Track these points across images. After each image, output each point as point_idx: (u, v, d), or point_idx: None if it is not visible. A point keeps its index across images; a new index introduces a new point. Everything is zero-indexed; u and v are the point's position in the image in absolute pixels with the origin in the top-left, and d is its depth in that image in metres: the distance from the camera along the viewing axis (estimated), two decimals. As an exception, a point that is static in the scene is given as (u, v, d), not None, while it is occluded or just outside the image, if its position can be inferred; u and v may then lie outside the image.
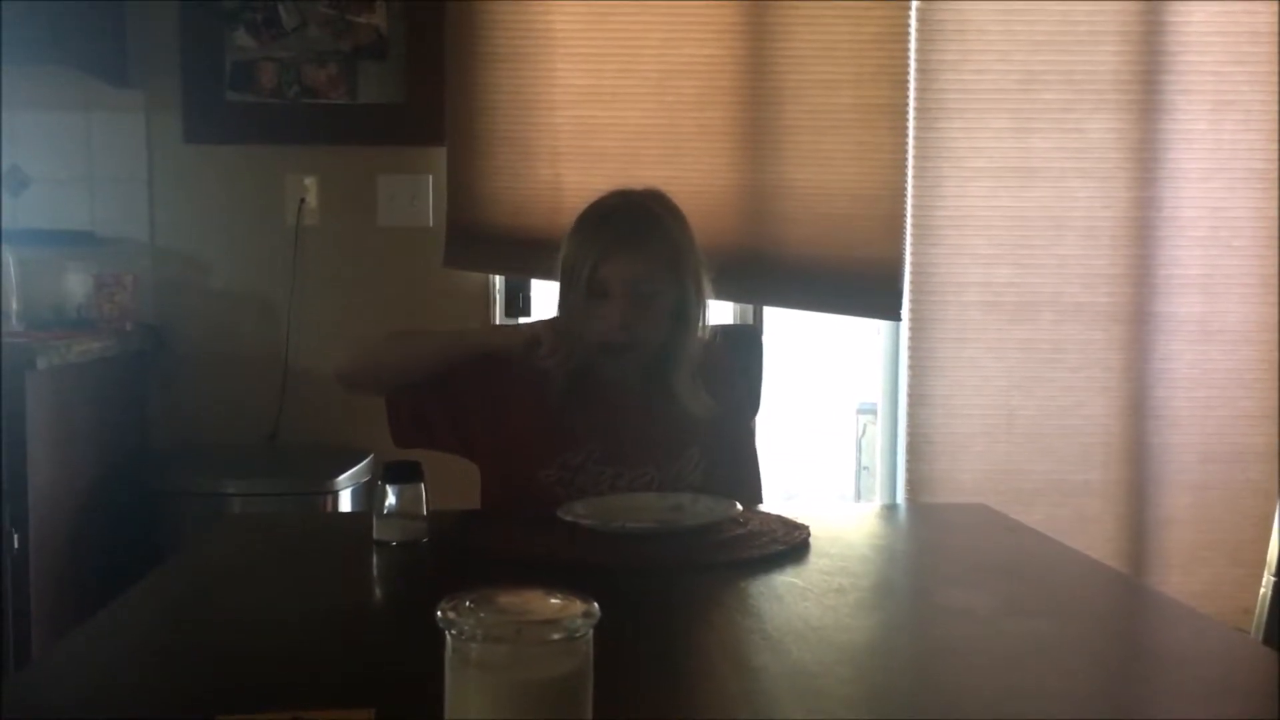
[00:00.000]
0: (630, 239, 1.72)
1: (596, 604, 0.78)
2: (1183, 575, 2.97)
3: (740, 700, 0.99)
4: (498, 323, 1.70)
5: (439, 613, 0.76)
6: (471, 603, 0.78)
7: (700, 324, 1.79)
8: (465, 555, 1.46)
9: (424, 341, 1.82)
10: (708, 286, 1.80)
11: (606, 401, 1.79)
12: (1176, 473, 2.98)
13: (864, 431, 4.81)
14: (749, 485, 1.89)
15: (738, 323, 2.97)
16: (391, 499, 1.45)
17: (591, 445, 1.74)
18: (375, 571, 1.43)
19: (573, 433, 1.74)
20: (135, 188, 2.88)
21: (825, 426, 5.27)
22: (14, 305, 2.64)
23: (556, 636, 0.76)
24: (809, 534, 1.52)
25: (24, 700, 0.99)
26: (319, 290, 2.92)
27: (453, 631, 0.76)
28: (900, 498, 3.01)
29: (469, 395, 1.77)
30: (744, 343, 2.09)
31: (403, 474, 1.45)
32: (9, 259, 2.65)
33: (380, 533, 1.45)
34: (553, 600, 0.79)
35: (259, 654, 1.10)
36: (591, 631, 0.78)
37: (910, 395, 2.97)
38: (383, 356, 1.82)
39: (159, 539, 2.52)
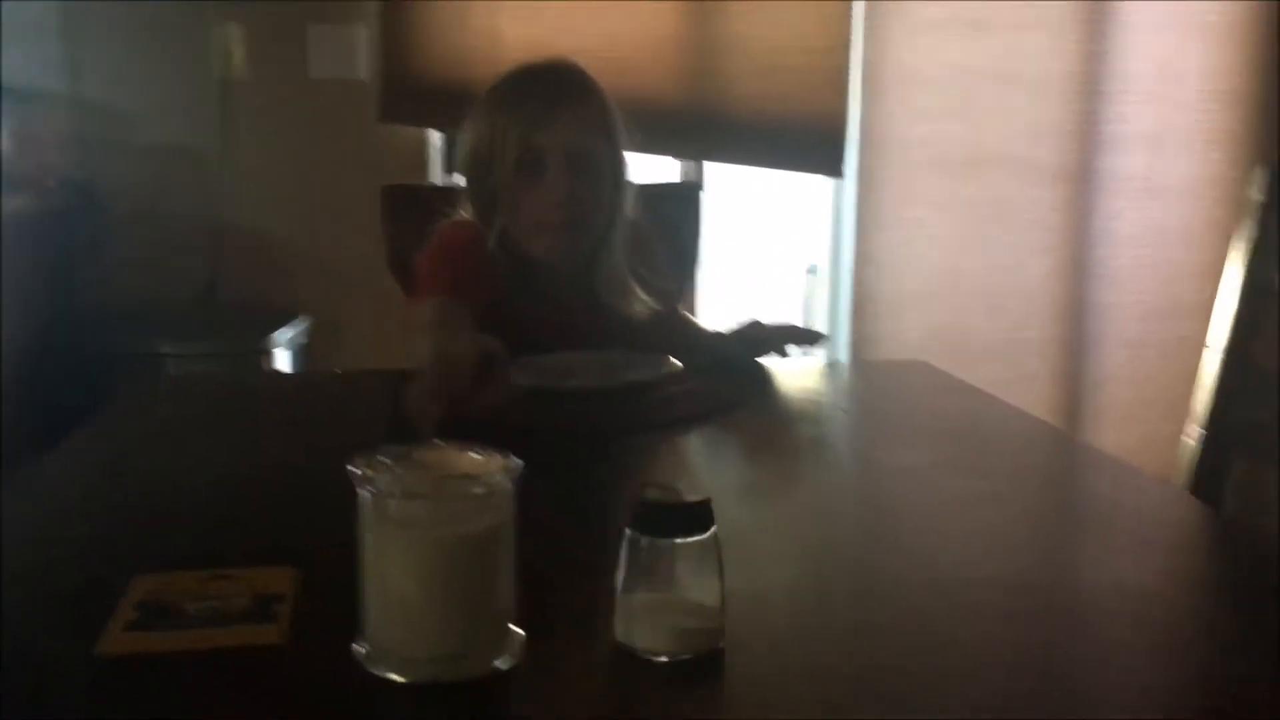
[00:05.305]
0: (563, 102, 1.55)
1: (516, 457, 0.76)
2: (1118, 432, 3.01)
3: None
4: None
5: (355, 470, 0.74)
6: (389, 459, 0.75)
7: (628, 203, 1.62)
8: (398, 419, 1.43)
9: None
10: (629, 164, 1.62)
11: (536, 329, 1.55)
12: (1115, 331, 3.00)
13: (811, 291, 4.80)
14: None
15: (673, 180, 2.90)
16: None
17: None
18: (306, 434, 1.40)
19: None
20: (47, 38, 2.73)
21: (773, 286, 5.26)
22: (-75, 162, 2.53)
23: (477, 491, 0.75)
24: (749, 392, 1.51)
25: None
26: (251, 146, 2.82)
27: (369, 488, 0.74)
28: (846, 357, 3.02)
29: None
30: (679, 200, 2.03)
31: None
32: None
33: None
34: (472, 455, 0.77)
35: (185, 514, 1.09)
36: (513, 486, 0.76)
37: (857, 254, 2.95)
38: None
39: (93, 402, 2.47)
